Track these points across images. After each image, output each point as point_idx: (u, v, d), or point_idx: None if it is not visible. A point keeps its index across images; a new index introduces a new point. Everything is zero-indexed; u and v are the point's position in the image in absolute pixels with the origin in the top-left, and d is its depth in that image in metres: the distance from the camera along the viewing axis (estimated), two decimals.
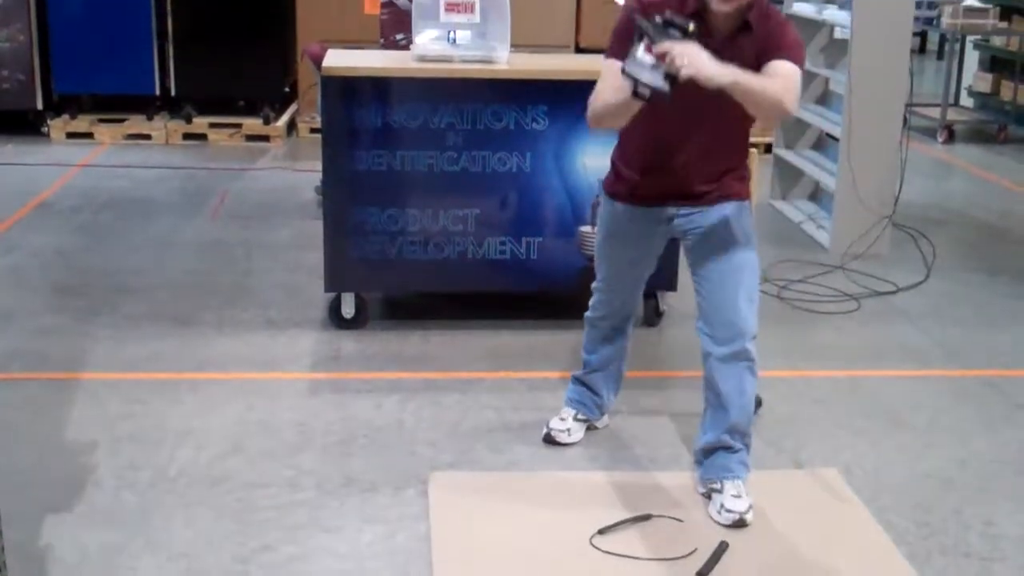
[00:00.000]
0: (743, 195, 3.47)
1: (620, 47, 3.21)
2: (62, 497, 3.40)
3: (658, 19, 3.05)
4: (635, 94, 3.06)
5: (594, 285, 3.75)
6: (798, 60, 3.18)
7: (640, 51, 3.03)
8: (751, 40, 3.18)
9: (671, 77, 2.98)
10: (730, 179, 3.43)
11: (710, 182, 3.41)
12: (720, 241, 3.41)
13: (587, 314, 3.80)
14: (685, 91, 3.07)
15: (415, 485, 3.55)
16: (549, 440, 3.85)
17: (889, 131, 6.02)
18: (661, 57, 2.98)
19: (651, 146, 3.42)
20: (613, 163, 3.58)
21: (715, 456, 3.48)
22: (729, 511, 3.36)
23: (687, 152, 3.37)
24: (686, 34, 3.02)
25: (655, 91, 3.00)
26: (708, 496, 3.47)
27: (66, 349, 4.55)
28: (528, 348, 4.68)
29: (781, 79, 3.12)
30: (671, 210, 3.46)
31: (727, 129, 3.38)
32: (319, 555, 3.17)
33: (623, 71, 3.06)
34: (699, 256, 3.46)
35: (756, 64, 3.14)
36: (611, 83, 3.22)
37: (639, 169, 3.46)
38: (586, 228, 4.73)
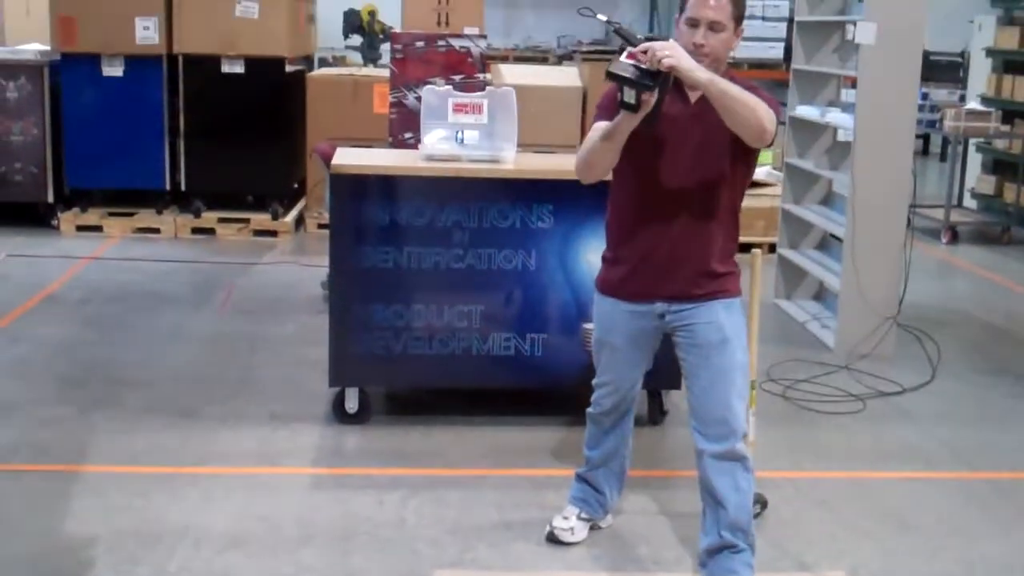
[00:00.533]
0: (734, 292, 3.49)
1: (603, 114, 3.32)
2: None
3: (639, 36, 3.19)
4: (622, 103, 3.12)
5: (594, 381, 3.76)
6: (775, 109, 3.26)
7: (622, 58, 3.12)
8: None
9: (653, 75, 3.07)
10: (721, 275, 3.45)
11: (700, 269, 3.42)
12: (712, 339, 3.43)
13: (588, 410, 3.80)
14: (668, 144, 3.23)
15: None
16: (552, 539, 3.82)
17: (893, 232, 6.06)
18: (643, 54, 3.07)
19: (638, 224, 3.45)
20: (604, 258, 3.62)
21: (719, 557, 3.44)
22: None
23: (674, 227, 3.39)
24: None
25: (640, 86, 3.07)
26: None
27: (69, 441, 4.54)
28: (532, 445, 4.66)
29: (759, 101, 3.20)
30: (661, 306, 3.48)
31: (713, 203, 3.39)
32: None
33: (607, 73, 3.14)
34: (690, 353, 3.47)
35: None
36: (593, 135, 3.34)
37: (627, 252, 3.50)
38: (590, 325, 4.71)
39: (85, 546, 3.67)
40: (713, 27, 3.26)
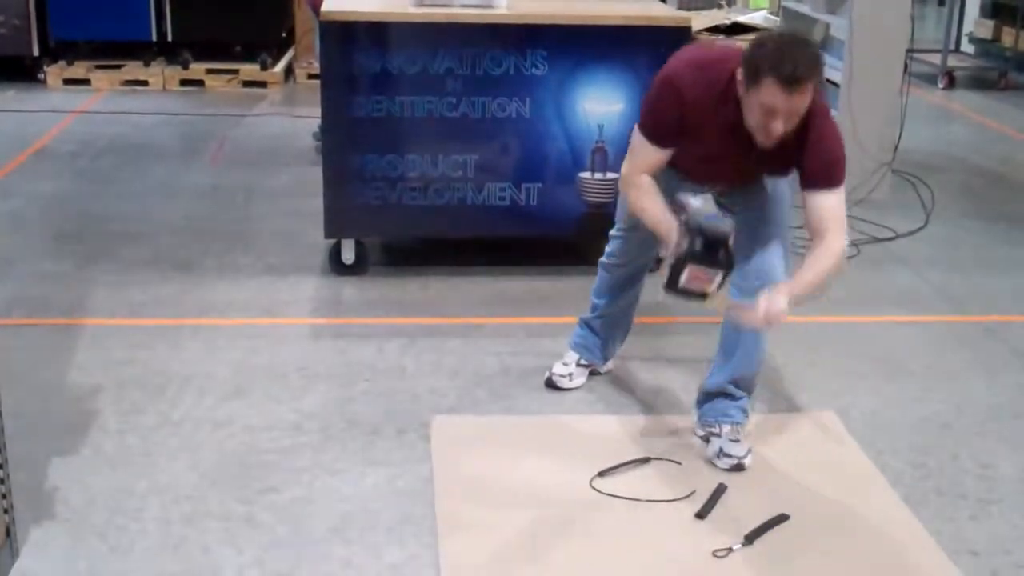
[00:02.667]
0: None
1: (657, 130, 3.22)
2: (68, 441, 3.43)
3: (697, 246, 3.01)
4: (667, 286, 3.10)
5: (612, 232, 3.72)
6: (842, 181, 3.14)
7: (684, 278, 3.06)
8: (796, 149, 3.11)
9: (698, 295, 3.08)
10: None
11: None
12: (756, 196, 3.38)
13: (602, 259, 3.77)
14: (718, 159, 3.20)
15: (417, 429, 3.59)
16: (551, 385, 3.88)
17: (889, 77, 6.00)
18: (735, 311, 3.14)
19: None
20: None
21: (716, 401, 3.49)
22: (728, 455, 3.39)
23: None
24: (727, 250, 3.04)
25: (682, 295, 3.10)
26: (706, 440, 3.49)
27: (67, 295, 4.57)
28: (528, 294, 4.70)
29: (830, 222, 3.11)
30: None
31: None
32: (322, 497, 3.20)
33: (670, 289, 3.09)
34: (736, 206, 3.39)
35: (796, 164, 3.14)
36: (645, 160, 3.24)
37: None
38: (586, 174, 4.73)
39: (89, 396, 3.73)
40: (793, 116, 3.00)
